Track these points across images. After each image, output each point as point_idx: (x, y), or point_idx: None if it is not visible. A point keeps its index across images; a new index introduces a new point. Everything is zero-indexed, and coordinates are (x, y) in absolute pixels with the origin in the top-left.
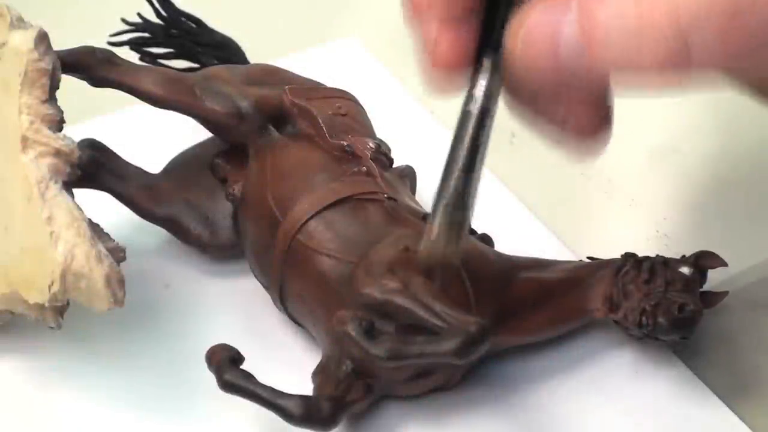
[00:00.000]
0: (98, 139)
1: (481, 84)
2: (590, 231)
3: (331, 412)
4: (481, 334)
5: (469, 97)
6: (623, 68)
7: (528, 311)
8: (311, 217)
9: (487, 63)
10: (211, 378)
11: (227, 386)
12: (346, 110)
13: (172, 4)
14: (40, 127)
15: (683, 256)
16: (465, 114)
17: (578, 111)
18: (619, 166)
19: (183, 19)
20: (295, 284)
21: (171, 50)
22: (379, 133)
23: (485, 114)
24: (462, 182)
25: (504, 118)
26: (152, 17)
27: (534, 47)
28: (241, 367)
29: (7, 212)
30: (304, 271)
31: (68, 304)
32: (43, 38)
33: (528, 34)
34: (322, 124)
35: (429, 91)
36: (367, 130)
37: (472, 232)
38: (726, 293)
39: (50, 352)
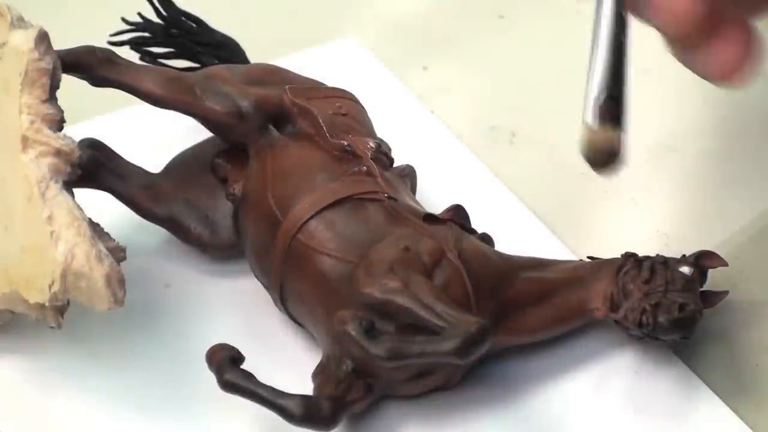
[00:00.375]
0: (98, 138)
1: None
2: (590, 231)
3: (332, 412)
4: (482, 334)
5: None
6: None
7: (528, 311)
8: (311, 217)
9: None
10: (211, 378)
11: (227, 386)
12: (347, 110)
13: (173, 4)
14: (40, 126)
15: (683, 256)
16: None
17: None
18: None
19: (183, 18)
20: (296, 284)
21: (171, 50)
22: (379, 133)
23: None
24: (612, 55)
25: (504, 118)
26: (153, 17)
27: None
28: (242, 366)
29: (8, 212)
30: (304, 271)
31: (68, 303)
32: (43, 38)
33: None
34: (322, 124)
35: None
36: (368, 129)
37: (472, 231)
38: (726, 293)
39: (50, 352)
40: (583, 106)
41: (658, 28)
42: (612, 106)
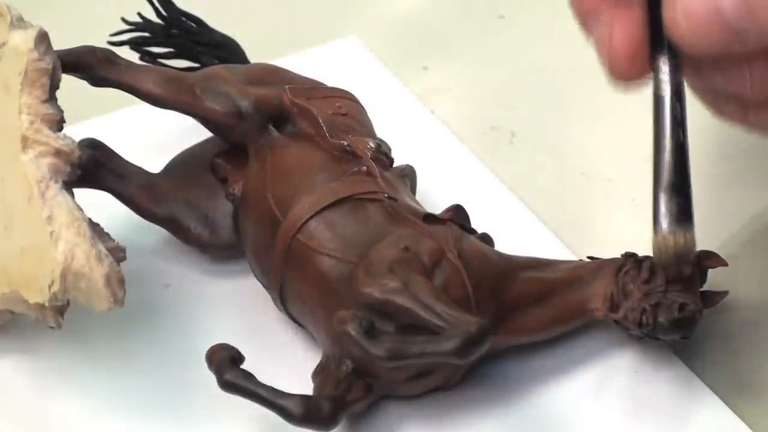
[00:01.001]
0: (98, 139)
1: (664, 64)
2: (590, 231)
3: (331, 412)
4: (482, 334)
5: (657, 81)
6: None
7: (528, 311)
8: (311, 217)
9: (665, 42)
10: (211, 378)
11: (227, 386)
12: (347, 110)
13: (173, 4)
14: (40, 126)
15: None
16: (658, 99)
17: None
18: (619, 166)
19: (183, 18)
20: (295, 284)
21: (171, 50)
22: (379, 133)
23: (679, 89)
24: (674, 160)
25: (504, 118)
26: (152, 17)
27: (694, 16)
28: (241, 366)
29: (7, 212)
30: (304, 271)
31: (68, 303)
32: (43, 38)
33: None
34: (322, 124)
35: (616, 87)
36: (367, 129)
37: (472, 231)
38: (726, 293)
39: (50, 352)
40: (652, 210)
41: (728, 92)
42: (680, 209)
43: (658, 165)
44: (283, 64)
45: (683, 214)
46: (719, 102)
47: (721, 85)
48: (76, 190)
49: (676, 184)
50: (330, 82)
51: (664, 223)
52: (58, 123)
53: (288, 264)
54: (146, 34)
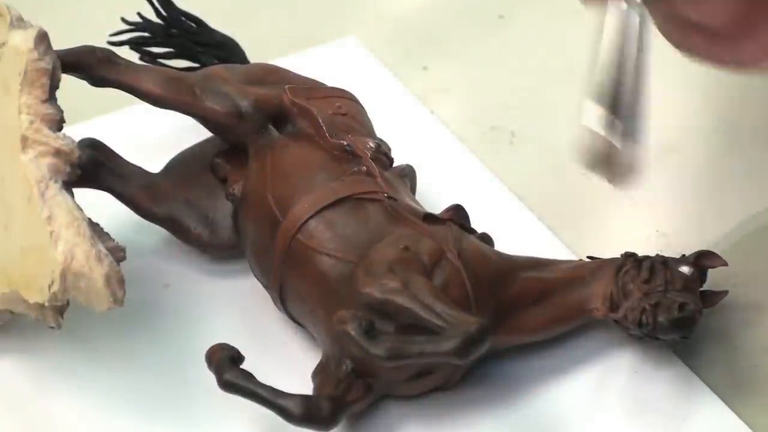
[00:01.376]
0: (98, 139)
1: None
2: (590, 231)
3: (331, 412)
4: (481, 334)
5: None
6: None
7: (528, 310)
8: (311, 217)
9: None
10: (211, 377)
11: (227, 386)
12: (346, 110)
13: (173, 4)
14: (39, 126)
15: (683, 256)
16: (625, 18)
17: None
18: None
19: (183, 18)
20: (295, 284)
21: (171, 50)
22: (379, 133)
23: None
24: (635, 81)
25: (504, 118)
26: (152, 17)
27: None
28: (241, 366)
29: (7, 212)
30: (304, 271)
31: (68, 303)
32: (43, 38)
33: None
34: (322, 124)
35: (587, 7)
36: (367, 129)
37: (472, 231)
38: (726, 293)
39: (50, 352)
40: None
41: (696, 22)
42: (629, 124)
43: (617, 84)
44: (283, 64)
45: (628, 127)
46: (684, 32)
47: (688, 14)
48: (76, 190)
49: (622, 100)
50: (330, 82)
51: (602, 130)
52: (58, 123)
53: (288, 264)
54: (146, 34)
